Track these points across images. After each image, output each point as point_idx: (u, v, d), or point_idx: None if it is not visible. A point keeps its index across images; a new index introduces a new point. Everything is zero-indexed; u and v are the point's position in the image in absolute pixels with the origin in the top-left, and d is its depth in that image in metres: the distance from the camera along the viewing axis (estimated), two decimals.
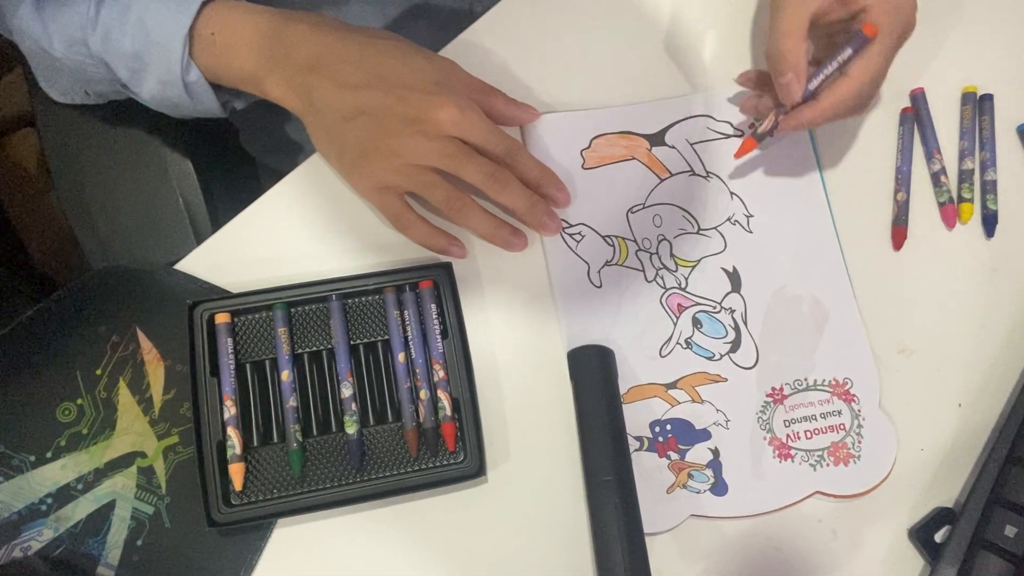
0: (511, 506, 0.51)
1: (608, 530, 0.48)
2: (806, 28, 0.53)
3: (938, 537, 0.52)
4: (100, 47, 0.52)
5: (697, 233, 0.58)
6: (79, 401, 0.51)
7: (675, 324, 0.56)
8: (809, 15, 0.53)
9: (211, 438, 0.49)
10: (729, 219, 0.58)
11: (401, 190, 0.54)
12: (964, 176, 0.60)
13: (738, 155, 0.58)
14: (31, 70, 0.59)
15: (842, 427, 0.54)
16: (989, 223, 0.59)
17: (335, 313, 0.52)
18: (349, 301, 0.53)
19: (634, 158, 0.59)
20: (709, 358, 0.55)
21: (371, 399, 0.52)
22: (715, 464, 0.53)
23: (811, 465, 0.53)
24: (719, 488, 0.52)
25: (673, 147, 0.60)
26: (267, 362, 0.52)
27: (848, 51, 0.53)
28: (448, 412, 0.51)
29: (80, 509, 0.49)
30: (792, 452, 0.53)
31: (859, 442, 0.54)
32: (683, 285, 0.57)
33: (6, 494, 0.49)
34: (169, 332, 0.52)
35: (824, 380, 0.55)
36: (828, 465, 0.53)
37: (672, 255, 0.57)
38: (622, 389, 0.54)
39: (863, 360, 0.56)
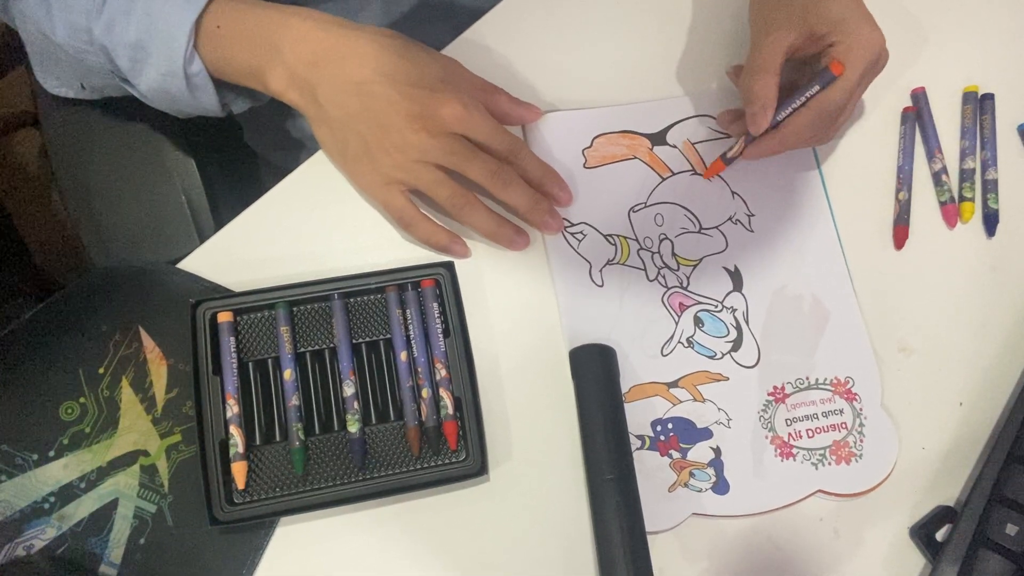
0: (513, 505, 0.51)
1: (610, 529, 0.48)
2: (779, 65, 0.55)
3: (939, 536, 0.52)
4: (103, 34, 0.52)
5: (699, 232, 0.58)
6: (82, 400, 0.51)
7: (677, 323, 0.56)
8: (782, 54, 0.55)
9: (214, 436, 0.49)
10: (731, 218, 0.58)
11: (404, 187, 0.54)
12: (965, 175, 0.61)
13: (708, 175, 0.59)
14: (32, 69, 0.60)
15: (844, 426, 0.54)
16: (990, 222, 0.59)
17: (337, 312, 0.52)
18: (351, 300, 0.53)
19: (636, 157, 0.59)
20: (711, 357, 0.55)
21: (373, 398, 0.52)
22: (717, 463, 0.53)
23: (813, 464, 0.53)
24: (721, 487, 0.52)
25: (675, 146, 0.60)
26: (269, 361, 0.52)
27: (815, 87, 0.55)
28: (450, 411, 0.51)
29: (83, 507, 0.49)
30: (793, 451, 0.53)
31: (860, 441, 0.54)
32: (685, 284, 0.57)
33: (9, 492, 0.49)
34: (172, 331, 0.53)
35: (825, 379, 0.55)
36: (830, 464, 0.53)
37: (674, 254, 0.57)
38: (624, 388, 0.54)
39: (864, 359, 0.56)
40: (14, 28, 0.57)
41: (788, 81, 0.56)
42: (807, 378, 0.55)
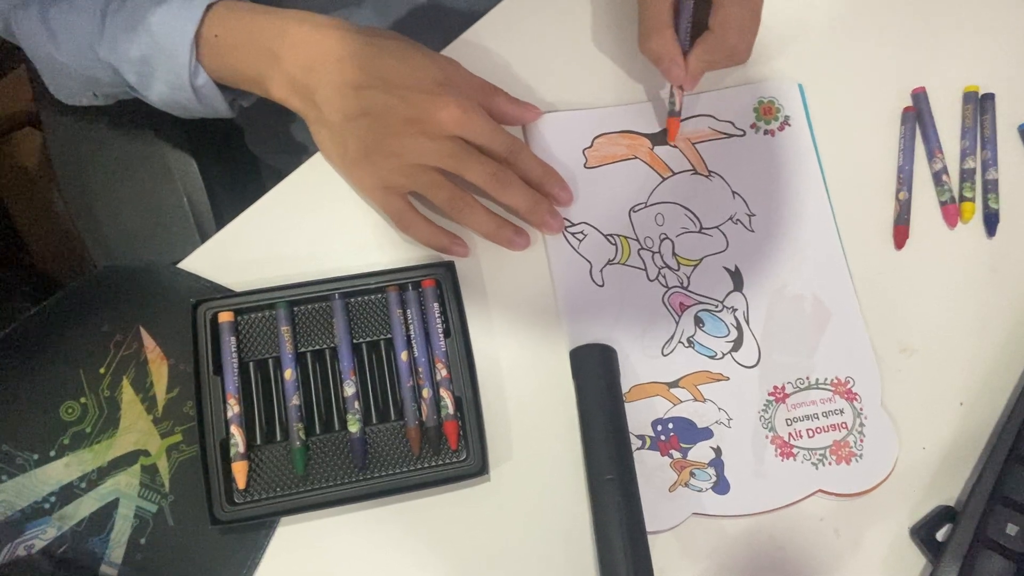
0: (513, 505, 0.51)
1: (610, 529, 0.48)
2: (670, 19, 0.55)
3: (940, 536, 0.52)
4: (108, 53, 0.52)
5: (699, 232, 0.58)
6: (82, 400, 0.51)
7: (677, 323, 0.56)
8: (670, 7, 0.55)
9: (214, 436, 0.49)
10: (731, 218, 0.58)
11: (403, 190, 0.54)
12: (965, 175, 0.61)
13: (671, 139, 0.59)
14: (34, 70, 0.59)
15: (844, 426, 0.54)
16: (990, 222, 0.59)
17: (338, 312, 0.52)
18: (352, 300, 0.53)
19: (636, 157, 0.59)
20: (711, 357, 0.55)
21: (374, 397, 0.52)
22: (717, 463, 0.53)
23: (813, 464, 0.53)
24: (721, 487, 0.52)
25: (675, 146, 0.60)
26: (270, 360, 0.52)
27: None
28: (451, 411, 0.51)
29: (83, 507, 0.49)
30: (794, 451, 0.53)
31: (861, 441, 0.54)
32: (685, 284, 0.57)
33: (9, 492, 0.49)
34: (172, 331, 0.53)
35: (826, 379, 0.55)
36: (830, 464, 0.53)
37: (674, 254, 0.57)
38: (624, 388, 0.54)
39: (865, 359, 0.56)
40: (17, 45, 0.57)
41: None
42: (807, 378, 0.55)
